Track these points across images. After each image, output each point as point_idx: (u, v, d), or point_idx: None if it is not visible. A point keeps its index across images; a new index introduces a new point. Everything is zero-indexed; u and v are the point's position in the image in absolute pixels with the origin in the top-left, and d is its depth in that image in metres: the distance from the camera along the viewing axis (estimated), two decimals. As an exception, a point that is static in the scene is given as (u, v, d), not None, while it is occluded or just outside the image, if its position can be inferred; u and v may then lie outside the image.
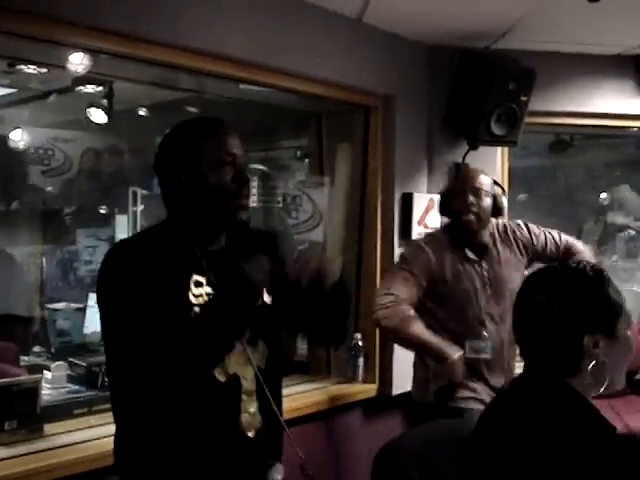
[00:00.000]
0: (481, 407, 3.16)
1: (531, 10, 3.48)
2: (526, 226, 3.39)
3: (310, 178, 4.39)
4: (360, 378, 3.86)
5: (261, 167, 4.96)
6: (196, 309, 1.84)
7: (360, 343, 3.83)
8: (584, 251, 3.37)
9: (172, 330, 1.73)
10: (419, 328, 3.05)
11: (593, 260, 3.22)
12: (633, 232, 5.51)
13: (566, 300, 1.62)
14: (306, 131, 4.43)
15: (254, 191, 4.72)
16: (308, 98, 3.73)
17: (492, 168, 4.14)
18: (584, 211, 6.05)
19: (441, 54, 4.03)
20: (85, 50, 3.07)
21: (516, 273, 3.25)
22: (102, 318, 1.89)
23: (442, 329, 3.16)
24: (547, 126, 4.63)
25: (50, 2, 2.48)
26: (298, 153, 5.20)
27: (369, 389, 3.85)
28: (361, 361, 3.85)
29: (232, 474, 1.91)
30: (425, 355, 3.16)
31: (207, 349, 1.76)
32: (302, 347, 4.13)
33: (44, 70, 3.86)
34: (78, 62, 3.34)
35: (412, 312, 3.09)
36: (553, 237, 3.38)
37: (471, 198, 3.17)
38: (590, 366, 1.62)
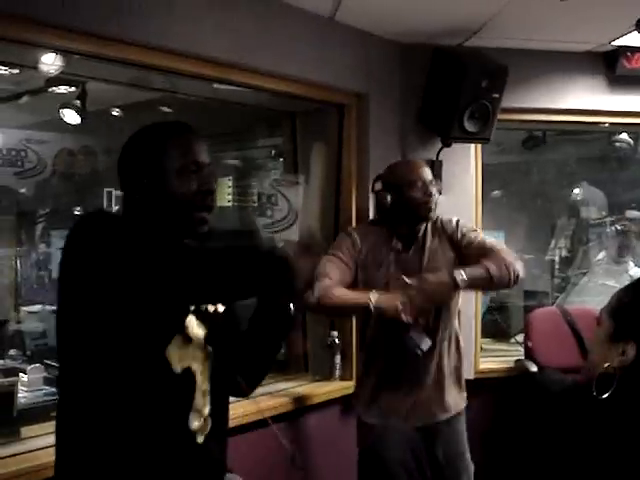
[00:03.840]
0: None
1: (503, 8, 3.51)
2: (457, 222, 3.29)
3: (285, 177, 4.39)
4: (337, 375, 3.88)
5: (235, 162, 4.96)
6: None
7: (337, 340, 3.85)
8: (500, 258, 3.06)
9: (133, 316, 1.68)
10: (342, 291, 3.08)
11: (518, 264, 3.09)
12: (615, 227, 5.54)
13: None
14: (280, 130, 4.43)
15: (229, 190, 4.73)
16: (282, 97, 3.73)
17: (466, 165, 4.17)
18: (557, 207, 6.07)
19: (414, 52, 4.04)
20: (58, 51, 3.05)
21: (443, 265, 3.16)
22: (63, 294, 1.77)
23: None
24: (519, 123, 4.66)
25: (22, 2, 2.46)
26: (273, 152, 5.20)
27: (346, 386, 3.84)
28: (338, 358, 3.87)
29: None
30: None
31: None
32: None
33: (16, 71, 3.83)
34: (50, 63, 3.32)
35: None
36: (478, 239, 3.22)
37: (431, 189, 3.18)
38: None
